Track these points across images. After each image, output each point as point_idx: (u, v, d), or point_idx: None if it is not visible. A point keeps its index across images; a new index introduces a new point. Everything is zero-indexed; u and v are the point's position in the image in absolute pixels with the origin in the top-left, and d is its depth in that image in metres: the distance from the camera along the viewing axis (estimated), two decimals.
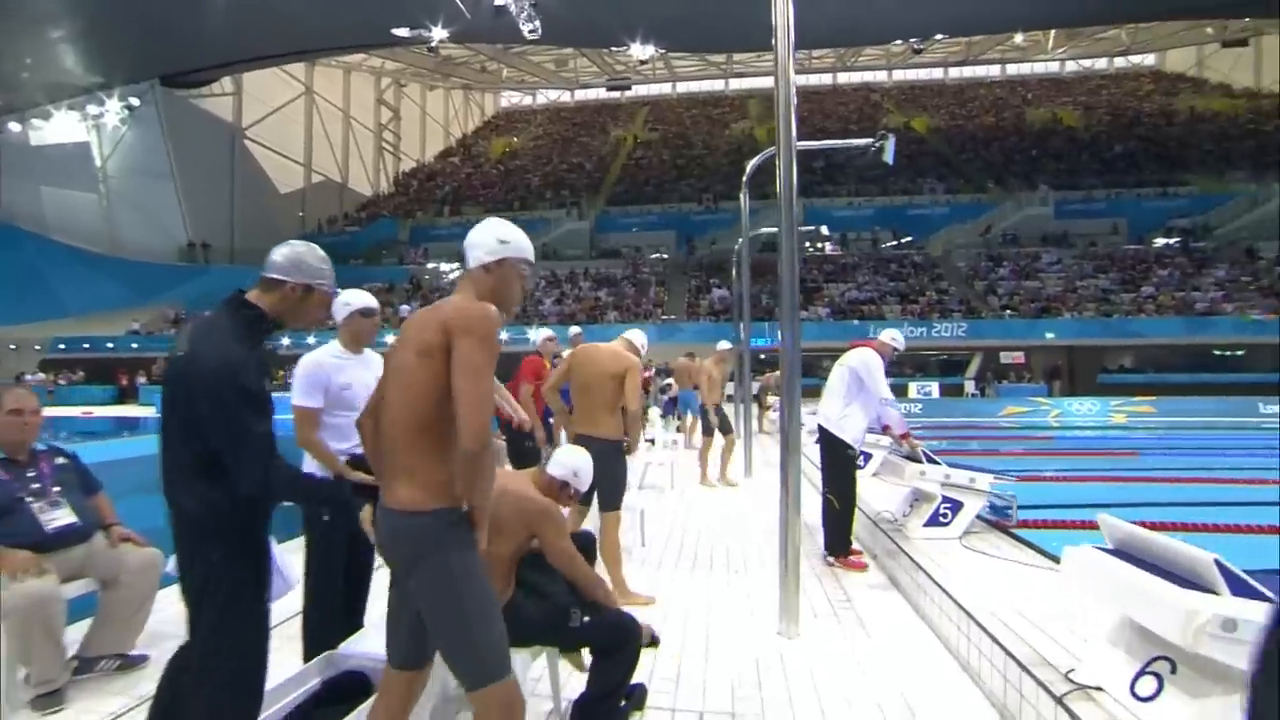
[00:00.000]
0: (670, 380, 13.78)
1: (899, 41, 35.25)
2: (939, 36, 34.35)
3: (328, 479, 2.31)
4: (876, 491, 5.15)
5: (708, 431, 7.98)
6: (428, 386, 1.64)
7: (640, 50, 29.84)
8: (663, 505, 6.55)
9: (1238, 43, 37.11)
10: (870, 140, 7.29)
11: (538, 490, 2.47)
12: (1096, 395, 20.38)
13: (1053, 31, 40.86)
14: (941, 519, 4.16)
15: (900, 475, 4.47)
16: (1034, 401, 20.05)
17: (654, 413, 14.27)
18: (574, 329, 10.87)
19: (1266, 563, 4.04)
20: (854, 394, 4.43)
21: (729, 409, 8.62)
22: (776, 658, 3.08)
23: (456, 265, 32.87)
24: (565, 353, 4.62)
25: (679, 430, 12.19)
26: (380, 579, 2.39)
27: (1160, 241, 28.04)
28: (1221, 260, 25.98)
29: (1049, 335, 23.23)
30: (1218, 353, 22.81)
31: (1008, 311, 24.69)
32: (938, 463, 4.29)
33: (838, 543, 4.46)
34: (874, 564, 4.49)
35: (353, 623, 2.71)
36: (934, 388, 22.95)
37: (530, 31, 23.05)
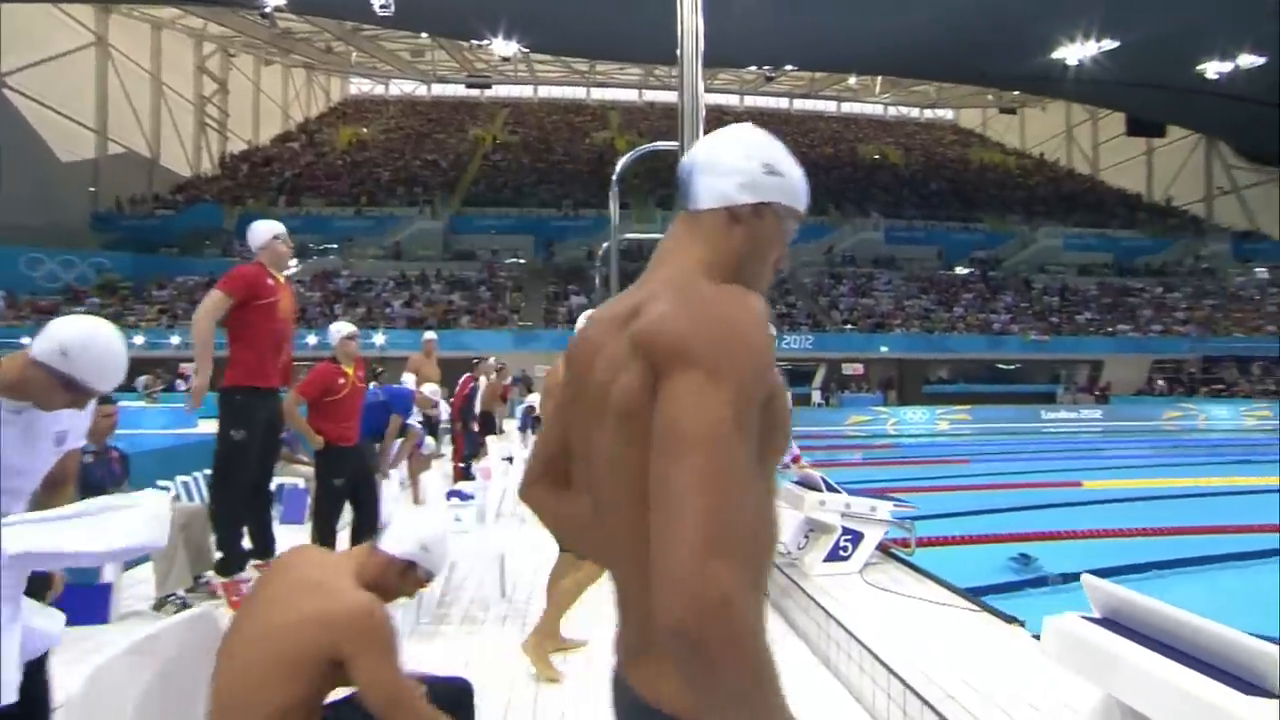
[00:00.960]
0: (534, 393, 12.90)
1: (754, 67, 37.14)
2: (790, 67, 36.62)
3: None
4: None
5: None
6: None
7: (502, 46, 28.63)
8: (525, 541, 5.72)
9: (1009, 110, 45.75)
10: None
11: (359, 581, 1.64)
12: (923, 404, 22.47)
13: (879, 78, 46.22)
14: (842, 553, 3.82)
15: (796, 505, 4.08)
16: (874, 410, 21.62)
17: (511, 426, 13.28)
18: (428, 334, 9.68)
19: (1089, 564, 4.12)
20: None
21: None
22: None
23: (296, 261, 29.26)
24: (543, 369, 3.65)
25: None
26: None
27: (964, 270, 31.98)
28: (1008, 289, 30.26)
29: (883, 349, 25.30)
30: (1003, 366, 26.50)
31: (848, 326, 26.61)
32: (837, 490, 3.96)
33: None
34: (768, 604, 4.05)
35: None
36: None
37: (381, 8, 21.15)
